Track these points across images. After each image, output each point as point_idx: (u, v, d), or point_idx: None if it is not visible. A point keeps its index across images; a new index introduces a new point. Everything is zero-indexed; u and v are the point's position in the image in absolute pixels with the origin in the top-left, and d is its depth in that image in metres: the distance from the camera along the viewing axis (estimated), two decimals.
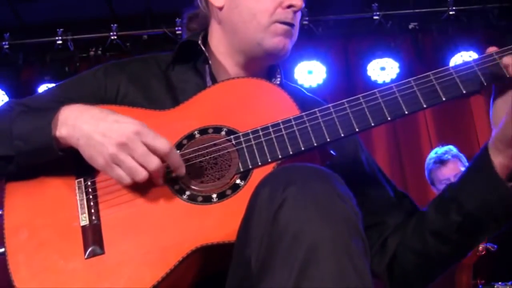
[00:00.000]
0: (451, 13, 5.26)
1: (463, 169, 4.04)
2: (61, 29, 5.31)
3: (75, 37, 5.37)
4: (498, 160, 1.43)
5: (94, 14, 5.37)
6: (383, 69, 5.32)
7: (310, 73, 5.33)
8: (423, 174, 4.53)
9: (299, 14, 1.70)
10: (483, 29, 5.34)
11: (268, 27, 1.65)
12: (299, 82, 5.28)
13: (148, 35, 5.44)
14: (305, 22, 5.26)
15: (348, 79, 5.60)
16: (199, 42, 1.75)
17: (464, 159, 4.29)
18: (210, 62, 1.72)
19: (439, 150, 4.38)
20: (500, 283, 2.73)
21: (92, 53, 5.49)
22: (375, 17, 5.32)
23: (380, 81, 5.34)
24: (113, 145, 1.39)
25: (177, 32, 5.12)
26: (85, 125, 1.44)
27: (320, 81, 5.36)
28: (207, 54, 1.72)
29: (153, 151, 1.40)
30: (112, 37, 5.32)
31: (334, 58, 5.55)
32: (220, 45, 1.76)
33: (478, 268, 2.47)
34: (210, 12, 1.78)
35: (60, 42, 5.31)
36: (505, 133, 1.39)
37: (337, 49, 5.71)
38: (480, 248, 2.35)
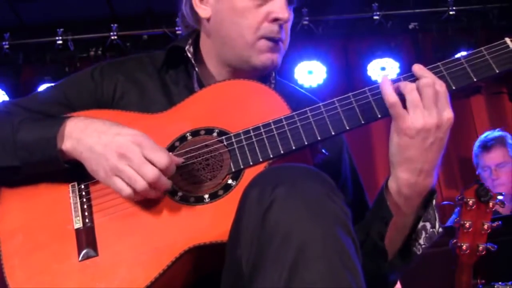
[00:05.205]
0: (451, 13, 5.24)
1: None
2: (61, 29, 5.30)
3: (75, 37, 5.36)
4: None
5: (94, 14, 5.37)
6: (383, 69, 5.30)
7: (310, 73, 5.32)
8: None
9: (288, 25, 1.67)
10: (483, 29, 5.31)
11: (254, 44, 1.61)
12: (299, 82, 5.27)
13: (148, 35, 5.43)
14: (305, 22, 5.25)
15: (348, 79, 5.58)
16: (186, 48, 1.72)
17: None
18: (196, 69, 1.70)
19: (489, 134, 4.12)
20: (500, 283, 2.71)
21: (92, 53, 5.48)
22: (375, 17, 5.30)
23: (380, 81, 5.31)
24: (113, 156, 1.40)
25: (177, 32, 5.10)
26: (89, 139, 1.45)
27: (320, 81, 5.35)
28: (193, 62, 1.71)
29: (151, 163, 1.39)
30: (112, 37, 5.31)
31: (334, 58, 5.54)
32: (209, 54, 1.73)
33: (478, 268, 2.44)
34: (198, 22, 1.75)
35: (60, 42, 5.30)
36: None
37: (337, 49, 5.70)
38: (480, 248, 2.33)
